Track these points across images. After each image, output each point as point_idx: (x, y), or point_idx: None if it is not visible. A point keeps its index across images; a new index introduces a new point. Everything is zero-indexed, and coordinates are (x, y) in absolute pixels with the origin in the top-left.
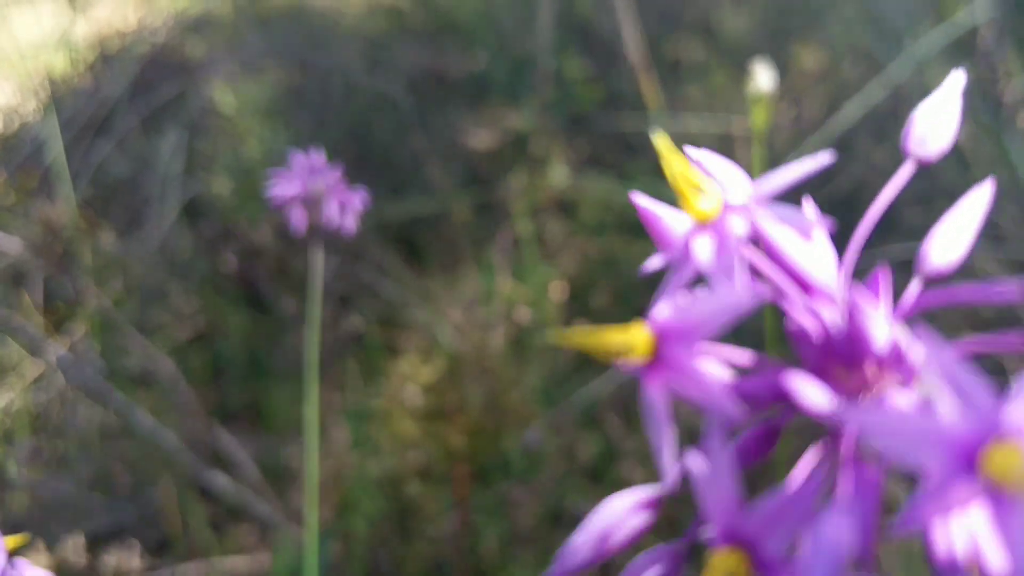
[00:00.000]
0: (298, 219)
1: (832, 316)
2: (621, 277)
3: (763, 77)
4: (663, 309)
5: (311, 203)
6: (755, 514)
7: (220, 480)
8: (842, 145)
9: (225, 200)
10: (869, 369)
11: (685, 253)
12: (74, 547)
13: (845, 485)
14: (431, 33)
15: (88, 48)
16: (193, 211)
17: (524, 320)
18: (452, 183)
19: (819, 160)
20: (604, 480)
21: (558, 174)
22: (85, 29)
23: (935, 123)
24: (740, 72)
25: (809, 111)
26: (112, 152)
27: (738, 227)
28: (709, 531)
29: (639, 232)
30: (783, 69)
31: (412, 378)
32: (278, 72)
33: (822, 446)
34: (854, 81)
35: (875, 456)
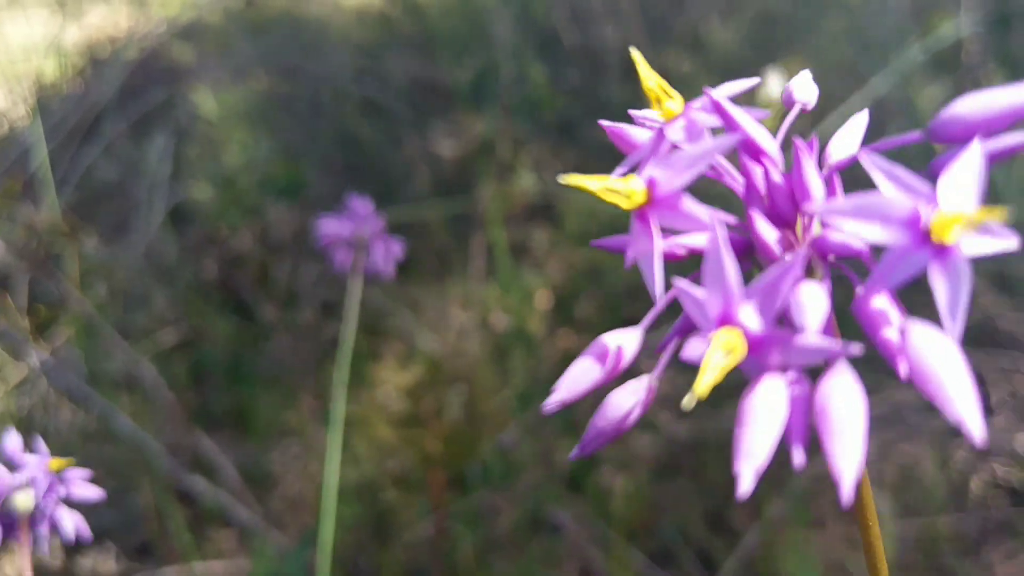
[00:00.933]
0: (343, 259)
1: (776, 168)
2: (606, 287)
3: (773, 84)
4: (650, 168)
5: (357, 245)
6: (740, 298)
7: (200, 485)
8: None
9: (206, 207)
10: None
11: (658, 137)
12: (51, 549)
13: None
14: (421, 42)
15: (78, 54)
16: (180, 216)
17: (500, 326)
18: (432, 191)
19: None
20: (582, 488)
21: (525, 180)
22: (76, 35)
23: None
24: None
25: (796, 124)
26: (100, 157)
27: (702, 113)
28: (697, 334)
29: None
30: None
31: (389, 384)
32: (268, 79)
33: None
34: (840, 95)
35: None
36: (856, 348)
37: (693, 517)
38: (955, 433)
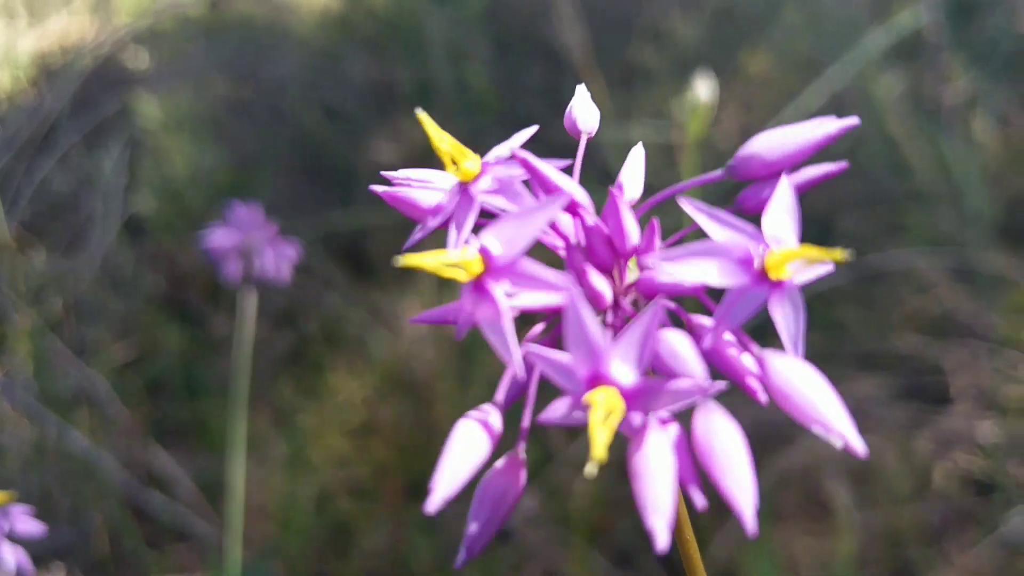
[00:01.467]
0: (233, 270)
1: (593, 219)
2: None
3: (702, 88)
4: (484, 236)
5: (246, 254)
6: (609, 355)
7: (156, 499)
8: None
9: (153, 220)
10: (631, 249)
11: (464, 198)
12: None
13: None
14: (379, 44)
15: (32, 64)
16: (136, 228)
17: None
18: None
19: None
20: (540, 484)
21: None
22: (31, 44)
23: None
24: (689, 79)
25: (757, 116)
26: (54, 169)
27: (506, 169)
28: (560, 402)
29: None
30: (732, 76)
31: (342, 394)
32: (225, 84)
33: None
34: (800, 87)
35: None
36: (722, 385)
37: None
38: (917, 425)
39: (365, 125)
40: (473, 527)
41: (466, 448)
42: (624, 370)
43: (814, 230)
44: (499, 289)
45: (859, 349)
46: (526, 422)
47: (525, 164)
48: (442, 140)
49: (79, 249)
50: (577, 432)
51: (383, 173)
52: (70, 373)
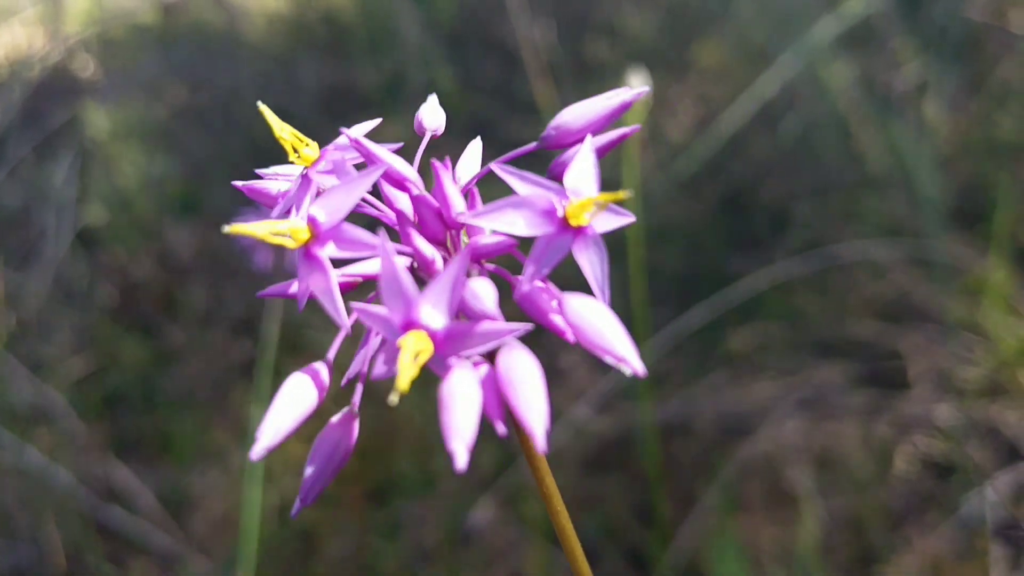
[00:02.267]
0: (263, 259)
1: (419, 190)
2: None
3: (636, 82)
4: (311, 208)
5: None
6: (419, 303)
7: (117, 514)
8: (737, 138)
9: (103, 232)
10: (455, 216)
11: (304, 181)
12: None
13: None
14: (335, 47)
15: None
16: (90, 240)
17: None
18: None
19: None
20: (502, 484)
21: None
22: None
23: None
24: (642, 72)
25: (711, 108)
26: (4, 182)
27: (339, 152)
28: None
29: None
30: (686, 69)
31: None
32: (177, 92)
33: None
34: (754, 77)
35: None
36: (526, 326)
37: (621, 511)
38: (876, 410)
39: (318, 129)
40: (308, 475)
41: (292, 401)
42: (434, 315)
43: (769, 218)
44: (325, 253)
45: (818, 337)
46: (355, 375)
47: (355, 144)
48: (283, 130)
49: (32, 263)
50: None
51: (257, 171)
52: (25, 390)
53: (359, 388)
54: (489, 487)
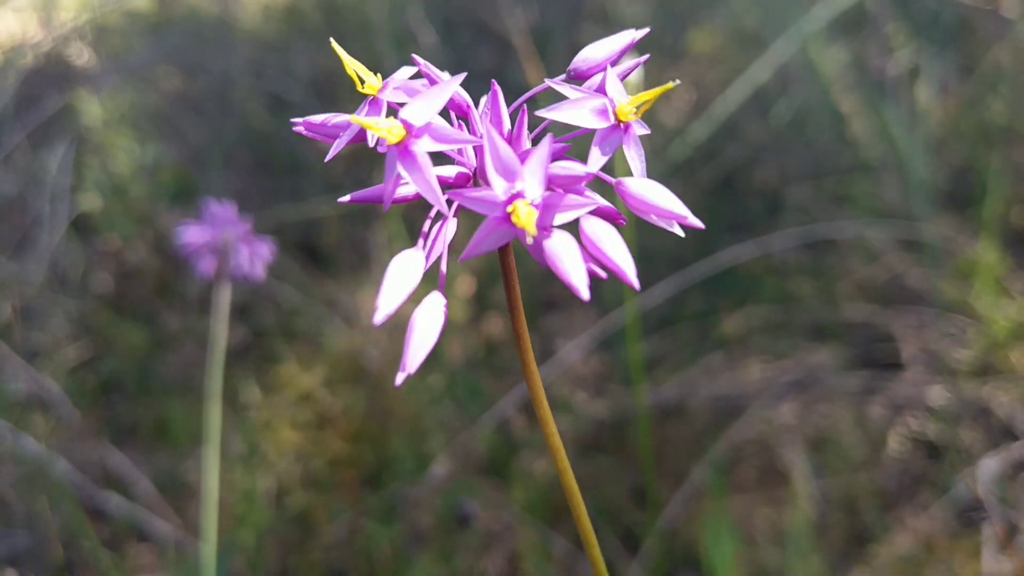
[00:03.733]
0: (207, 267)
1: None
2: (522, 267)
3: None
4: (402, 112)
5: (220, 251)
6: (520, 175)
7: (113, 500)
8: (731, 123)
9: (97, 218)
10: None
11: (373, 105)
12: None
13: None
14: (329, 33)
15: None
16: (85, 227)
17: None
18: (348, 184)
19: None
20: (501, 471)
21: None
22: None
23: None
24: (636, 59)
25: (705, 94)
26: None
27: (406, 81)
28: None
29: None
30: (680, 55)
31: (294, 387)
32: (171, 79)
33: None
34: (747, 63)
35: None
36: (603, 201)
37: (617, 494)
38: (870, 391)
39: (312, 115)
40: (411, 345)
41: (402, 274)
42: (533, 185)
43: (762, 201)
44: (421, 148)
45: (812, 319)
46: (444, 267)
47: (423, 71)
48: (351, 63)
49: (26, 251)
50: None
51: (294, 120)
52: (20, 377)
53: (443, 271)
54: (489, 469)
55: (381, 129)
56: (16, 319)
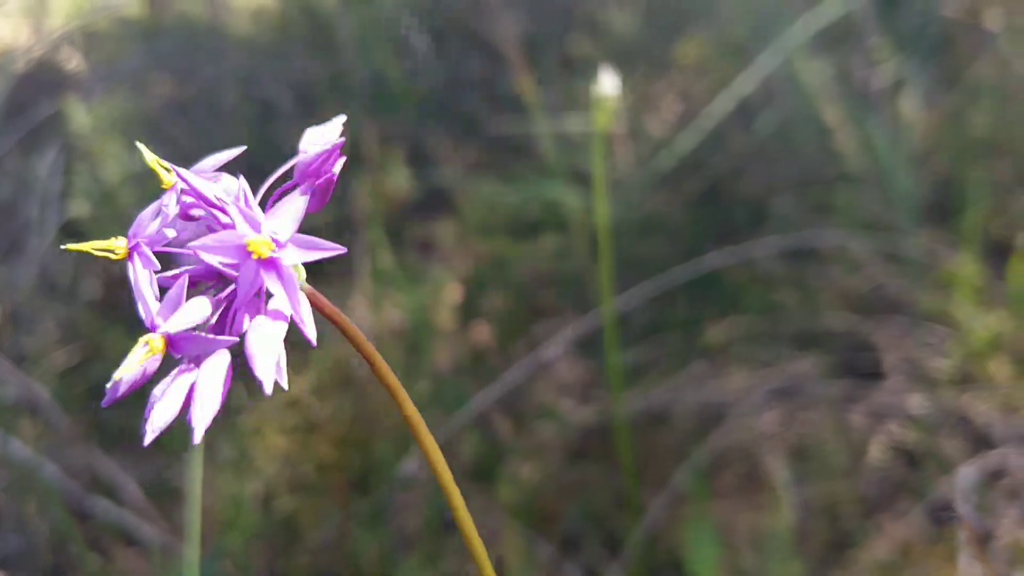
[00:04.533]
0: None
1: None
2: (511, 276)
3: (607, 82)
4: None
5: None
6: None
7: (101, 505)
8: (717, 134)
9: (87, 225)
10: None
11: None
12: None
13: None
14: (319, 42)
15: None
16: (76, 234)
17: (397, 324)
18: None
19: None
20: (485, 475)
21: (397, 178)
22: None
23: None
24: (626, 69)
25: (694, 104)
26: None
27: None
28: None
29: (525, 233)
30: (669, 66)
31: (280, 392)
32: (162, 85)
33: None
34: (735, 74)
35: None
36: (232, 340)
37: (602, 500)
38: (851, 400)
39: (303, 122)
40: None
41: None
42: (171, 323)
43: (748, 212)
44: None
45: (795, 329)
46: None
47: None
48: (149, 161)
49: (16, 256)
50: (525, 422)
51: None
52: (10, 381)
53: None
54: (475, 474)
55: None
56: (5, 324)
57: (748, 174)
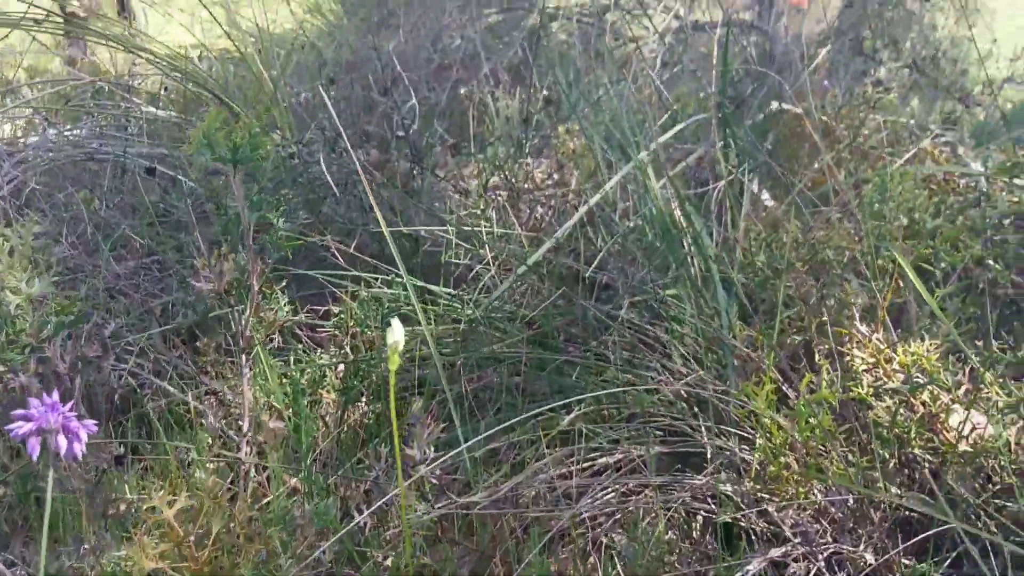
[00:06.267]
0: (33, 447)
1: None
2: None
3: (396, 332)
4: None
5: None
6: None
7: None
8: (574, 238)
9: None
10: None
11: None
12: None
13: None
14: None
15: None
16: None
17: (277, 430)
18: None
19: None
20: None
21: (282, 311)
22: None
23: None
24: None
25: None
26: None
27: None
28: None
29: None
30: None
31: (151, 520)
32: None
33: None
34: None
35: None
36: None
37: None
38: (676, 484)
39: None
40: None
41: None
42: None
43: (597, 313)
44: None
45: (632, 420)
46: None
47: None
48: None
49: None
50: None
51: None
52: None
53: None
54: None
55: None
56: None
57: (604, 274)
